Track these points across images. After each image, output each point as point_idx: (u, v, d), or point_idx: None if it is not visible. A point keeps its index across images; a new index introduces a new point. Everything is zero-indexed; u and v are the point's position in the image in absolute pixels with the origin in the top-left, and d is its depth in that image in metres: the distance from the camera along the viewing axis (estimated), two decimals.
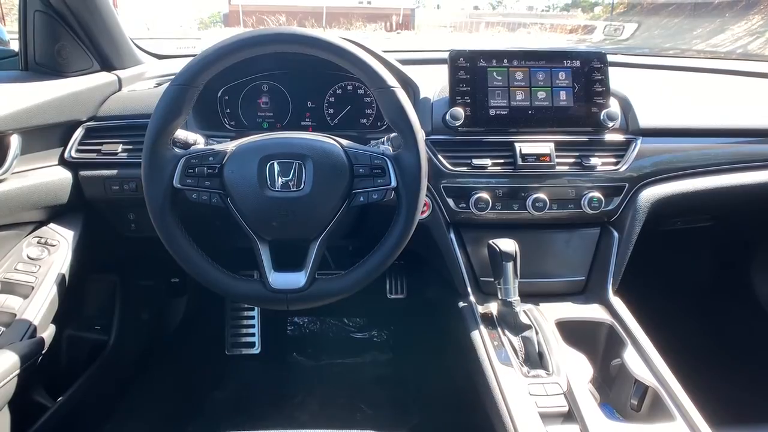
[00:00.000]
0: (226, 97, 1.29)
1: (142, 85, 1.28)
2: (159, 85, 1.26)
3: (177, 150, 0.93)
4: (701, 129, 1.20)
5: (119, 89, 1.26)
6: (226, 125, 1.31)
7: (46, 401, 1.04)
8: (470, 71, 1.16)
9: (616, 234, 1.16)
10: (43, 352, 0.96)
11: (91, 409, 1.23)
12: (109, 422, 1.31)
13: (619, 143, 1.16)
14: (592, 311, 1.09)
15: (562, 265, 1.17)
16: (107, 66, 1.25)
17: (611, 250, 1.15)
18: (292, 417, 1.48)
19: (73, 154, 1.13)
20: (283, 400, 1.54)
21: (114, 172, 1.14)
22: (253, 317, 1.76)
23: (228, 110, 1.30)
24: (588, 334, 1.07)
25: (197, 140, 1.04)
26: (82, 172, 1.14)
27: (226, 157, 0.92)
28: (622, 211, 1.14)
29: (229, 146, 0.94)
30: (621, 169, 1.14)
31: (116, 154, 1.13)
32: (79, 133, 1.15)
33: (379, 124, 1.32)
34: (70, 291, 1.05)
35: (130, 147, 1.14)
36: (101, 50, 1.24)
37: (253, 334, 1.75)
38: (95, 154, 1.14)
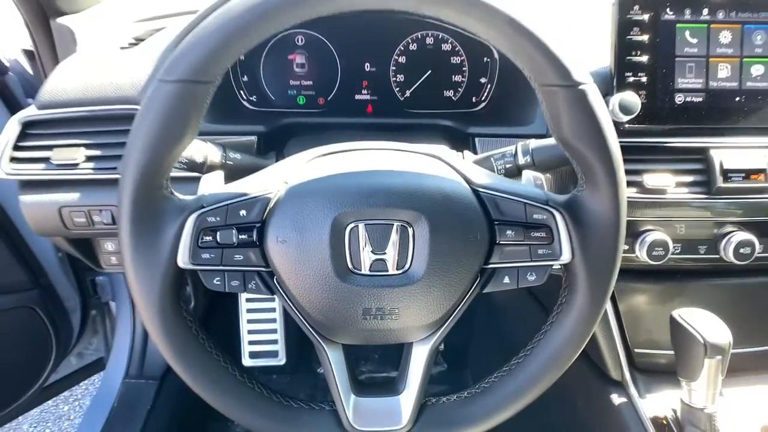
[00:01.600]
0: (242, 58, 0.83)
1: (107, 42, 0.80)
2: (138, 41, 0.79)
3: (179, 198, 0.51)
4: None
5: (72, 51, 0.78)
6: (244, 103, 0.86)
7: None
8: (650, 28, 0.71)
9: None
10: None
11: None
12: None
13: None
14: None
15: (750, 328, 0.81)
16: (50, 9, 0.76)
17: None
18: None
19: (5, 168, 0.69)
20: None
21: (75, 195, 0.71)
22: (274, 320, 1.41)
23: (245, 78, 0.85)
24: None
25: (207, 154, 0.61)
26: (24, 197, 0.71)
27: (268, 210, 0.51)
28: None
29: (273, 186, 0.52)
30: None
31: (76, 165, 0.70)
32: (11, 130, 0.70)
33: (473, 99, 0.88)
34: None
35: (98, 153, 0.71)
36: None
37: (275, 341, 1.40)
38: (42, 166, 0.70)
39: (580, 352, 0.54)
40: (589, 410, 0.81)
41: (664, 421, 0.72)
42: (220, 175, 0.57)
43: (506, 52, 0.47)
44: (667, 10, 0.71)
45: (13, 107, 0.95)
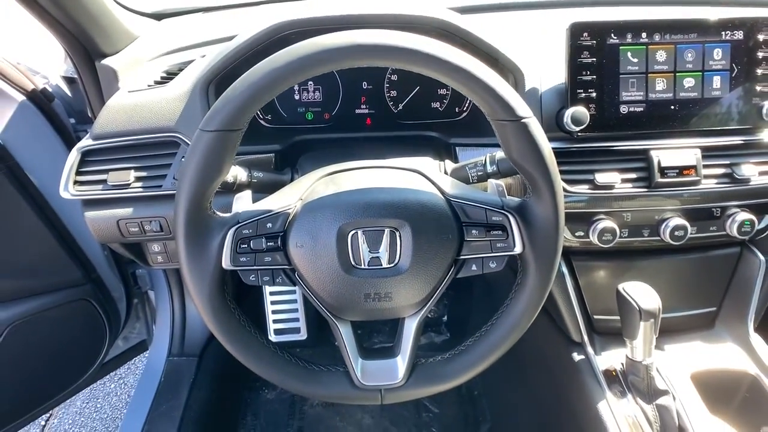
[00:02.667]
0: None
1: (144, 76, 0.96)
2: (169, 75, 0.94)
3: (220, 215, 0.67)
4: None
5: (116, 88, 0.93)
6: (261, 121, 1.01)
7: None
8: (597, 52, 0.85)
9: (762, 257, 0.94)
10: None
11: None
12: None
13: None
14: (730, 356, 0.91)
15: (688, 295, 0.97)
16: (95, 53, 0.92)
17: (754, 276, 0.94)
18: (353, 419, 1.36)
19: (70, 190, 0.85)
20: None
21: (129, 210, 0.87)
22: (295, 301, 1.59)
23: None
24: (727, 387, 0.89)
25: (237, 175, 0.77)
26: (89, 213, 0.87)
27: (288, 222, 0.67)
28: None
29: (291, 202, 0.68)
30: None
31: (128, 184, 0.86)
32: (73, 159, 0.86)
33: (456, 110, 1.02)
34: None
35: (145, 174, 0.86)
36: (82, 29, 0.89)
37: (297, 320, 1.58)
38: (100, 187, 0.86)
39: (533, 319, 0.70)
40: (557, 366, 0.98)
41: (614, 373, 0.89)
42: (248, 194, 0.73)
43: (465, 95, 0.62)
44: (612, 35, 0.85)
45: (61, 130, 1.11)
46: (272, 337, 1.60)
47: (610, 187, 0.86)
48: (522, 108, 0.62)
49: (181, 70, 0.95)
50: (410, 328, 0.72)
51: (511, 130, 0.62)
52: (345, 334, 0.72)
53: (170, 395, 1.25)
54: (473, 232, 0.68)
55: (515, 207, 0.68)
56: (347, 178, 0.71)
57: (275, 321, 1.59)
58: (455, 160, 0.89)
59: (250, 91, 0.59)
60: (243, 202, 0.71)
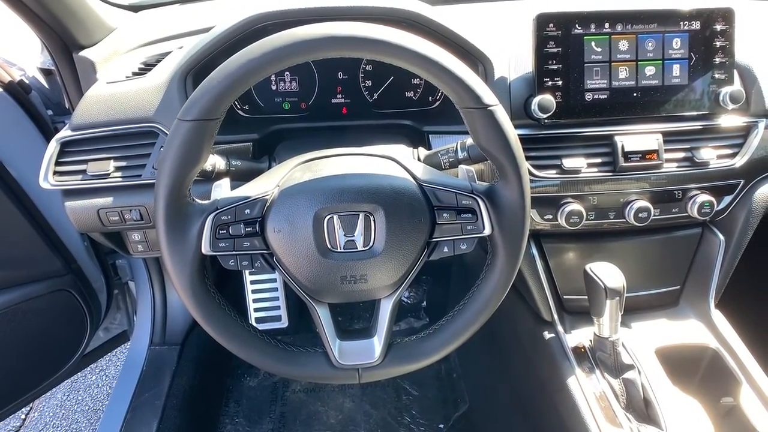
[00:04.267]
0: None
1: (122, 68, 0.96)
2: (147, 67, 0.95)
3: (199, 202, 0.69)
4: None
5: (94, 80, 0.94)
6: (239, 111, 1.02)
7: None
8: (562, 42, 0.89)
9: (721, 237, 0.98)
10: None
11: None
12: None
13: (738, 129, 0.94)
14: (692, 331, 0.96)
15: (653, 274, 1.01)
16: (72, 45, 0.92)
17: (714, 255, 0.98)
18: (334, 404, 1.39)
19: (50, 180, 0.86)
20: (318, 384, 1.44)
21: (109, 199, 0.88)
22: (276, 289, 1.61)
23: None
24: (689, 360, 0.94)
25: (215, 163, 0.79)
26: (68, 203, 0.89)
27: (266, 207, 0.69)
28: (732, 210, 0.96)
29: (268, 189, 0.70)
30: (738, 164, 0.93)
31: (108, 174, 0.87)
32: (52, 149, 0.87)
33: (429, 98, 1.05)
34: None
35: (124, 164, 0.88)
36: (59, 21, 0.90)
37: (278, 307, 1.61)
38: (80, 177, 0.87)
39: (503, 298, 0.74)
40: (529, 344, 1.02)
41: (582, 350, 0.93)
42: (227, 182, 0.75)
43: (435, 84, 0.65)
44: (576, 25, 0.89)
45: (38, 122, 1.12)
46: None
47: (577, 171, 0.89)
48: (488, 96, 0.65)
49: (158, 61, 0.96)
50: (386, 309, 0.74)
51: (478, 118, 0.65)
52: (323, 316, 0.74)
53: (152, 384, 1.26)
54: (444, 215, 0.70)
55: (484, 191, 0.71)
56: (323, 165, 0.73)
57: (256, 309, 1.61)
58: (428, 147, 0.92)
59: (227, 81, 0.61)
60: (222, 190, 0.72)
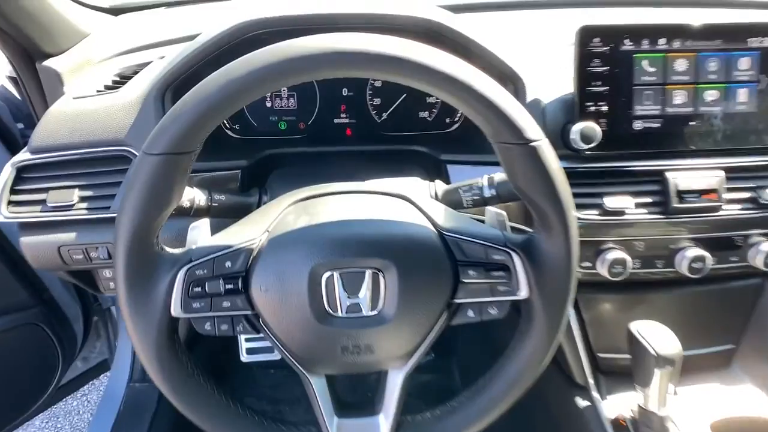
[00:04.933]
0: None
1: (93, 80, 0.83)
2: (122, 79, 0.82)
3: (169, 252, 0.56)
4: None
5: (60, 93, 0.81)
6: (228, 132, 0.89)
7: None
8: (609, 60, 0.75)
9: None
10: None
11: None
12: None
13: None
14: (751, 400, 0.82)
15: (703, 331, 0.87)
16: (35, 53, 0.79)
17: None
18: None
19: (3, 211, 0.73)
20: None
21: (72, 235, 0.75)
22: None
23: None
24: None
25: (194, 198, 0.66)
26: (25, 238, 0.75)
27: (251, 259, 0.56)
28: None
29: (255, 236, 0.57)
30: None
31: (72, 205, 0.74)
32: (7, 175, 0.74)
33: (447, 120, 0.92)
34: None
35: (90, 194, 0.75)
36: (16, 26, 0.77)
37: None
38: (39, 208, 0.74)
39: (537, 376, 0.60)
40: (559, 412, 0.88)
41: (623, 423, 0.79)
42: (205, 224, 0.62)
43: (465, 113, 0.52)
44: (626, 41, 0.75)
45: (4, 135, 0.99)
46: (244, 357, 1.48)
47: (621, 212, 0.76)
48: (532, 129, 0.51)
49: (136, 73, 0.84)
50: (395, 382, 0.61)
51: (518, 155, 0.52)
52: (318, 390, 0.61)
53: (129, 426, 1.13)
54: (470, 272, 0.57)
55: (520, 244, 0.58)
56: (322, 205, 0.60)
57: (247, 339, 1.47)
58: (447, 179, 0.79)
59: (202, 108, 0.48)
60: (199, 234, 0.60)
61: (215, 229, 0.60)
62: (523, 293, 0.57)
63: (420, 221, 0.59)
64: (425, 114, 0.91)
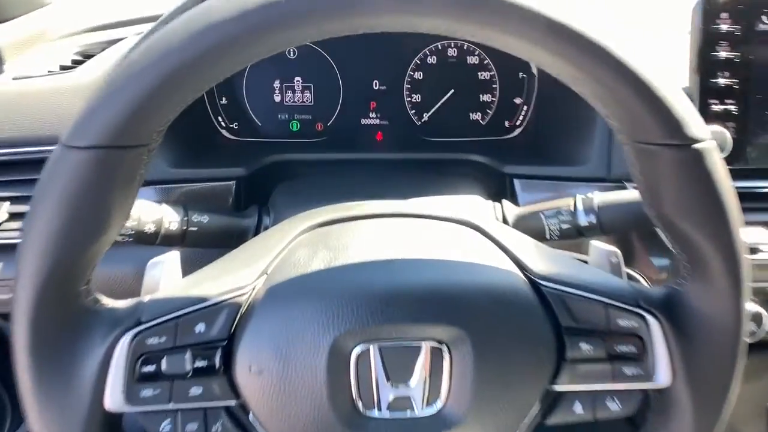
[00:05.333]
0: None
1: (48, 58, 0.64)
2: (83, 58, 0.62)
3: (107, 306, 0.36)
4: None
5: None
6: (223, 132, 0.69)
7: None
8: (742, 42, 0.55)
9: None
10: None
11: None
12: None
13: None
14: None
15: None
16: None
17: None
18: None
19: None
20: None
21: None
22: None
23: (224, 100, 0.68)
24: None
25: (162, 219, 0.46)
26: None
27: (238, 321, 0.35)
28: None
29: (245, 282, 0.37)
30: None
31: None
32: None
33: (506, 124, 0.72)
34: None
35: (25, 209, 0.54)
36: None
37: None
38: None
39: None
40: None
41: None
42: (174, 260, 0.41)
43: (588, 95, 0.32)
44: (764, 18, 0.55)
45: None
46: None
47: (756, 249, 0.55)
48: (695, 124, 0.31)
49: (104, 50, 0.64)
50: None
51: (670, 163, 0.32)
52: None
53: None
54: (582, 345, 0.37)
55: (661, 301, 0.38)
56: (350, 236, 0.40)
57: None
58: (515, 199, 0.58)
59: (163, 71, 0.29)
60: (159, 277, 0.40)
61: (190, 267, 0.40)
62: (662, 379, 0.36)
63: (501, 263, 0.38)
64: (477, 116, 0.72)
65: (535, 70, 0.70)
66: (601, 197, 0.50)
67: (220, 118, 0.70)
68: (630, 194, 0.50)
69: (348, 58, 0.70)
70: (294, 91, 0.71)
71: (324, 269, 0.37)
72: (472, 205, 0.55)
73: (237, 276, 0.37)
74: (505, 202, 0.56)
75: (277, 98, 0.71)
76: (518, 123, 0.72)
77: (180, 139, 0.60)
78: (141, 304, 0.36)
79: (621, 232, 0.50)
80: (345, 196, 0.47)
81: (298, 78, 0.70)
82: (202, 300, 0.35)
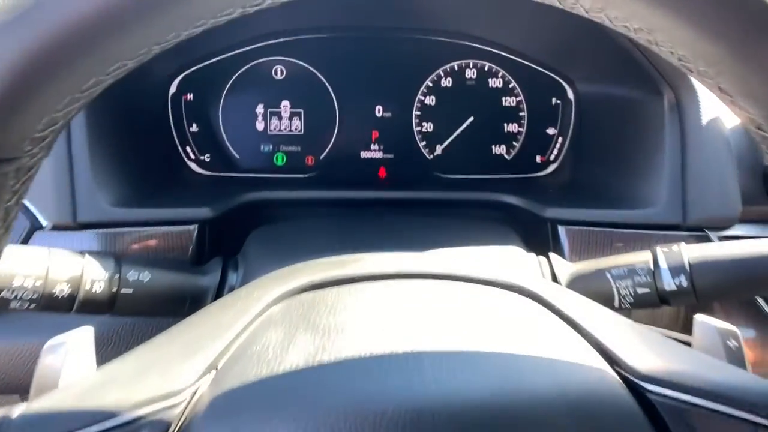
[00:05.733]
0: (190, 96, 0.54)
1: None
2: None
3: None
4: None
5: None
6: (191, 165, 0.57)
7: None
8: None
9: None
10: None
11: None
12: None
13: None
14: None
15: None
16: None
17: None
18: None
19: None
20: None
21: None
22: None
23: (194, 126, 0.56)
24: None
25: (82, 276, 0.33)
26: None
27: None
28: None
29: (182, 384, 0.22)
30: None
31: None
32: None
33: (538, 159, 0.59)
34: None
35: None
36: None
37: None
38: None
39: None
40: None
41: None
42: (84, 340, 0.28)
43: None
44: None
45: None
46: None
47: None
48: None
49: None
50: None
51: None
52: None
53: None
54: None
55: None
56: (345, 309, 0.28)
57: None
58: (560, 253, 0.45)
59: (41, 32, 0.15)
60: (59, 367, 0.28)
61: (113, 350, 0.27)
62: None
63: (581, 354, 0.25)
64: (501, 149, 0.60)
65: (571, 95, 0.58)
66: (693, 252, 0.36)
67: (189, 149, 0.57)
68: (730, 248, 0.37)
69: (346, 78, 0.58)
70: (281, 118, 0.59)
71: (304, 367, 0.23)
72: (512, 259, 0.41)
73: (170, 373, 0.23)
74: (553, 256, 0.43)
75: (260, 126, 0.59)
76: (552, 158, 0.59)
77: (131, 171, 0.47)
78: (5, 422, 0.22)
79: (720, 299, 0.37)
80: (339, 245, 0.34)
81: (285, 102, 0.58)
82: (108, 416, 0.21)
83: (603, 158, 0.55)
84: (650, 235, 0.45)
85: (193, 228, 0.45)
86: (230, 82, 0.58)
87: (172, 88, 0.56)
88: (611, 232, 0.47)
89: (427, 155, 0.61)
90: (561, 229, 0.48)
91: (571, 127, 0.59)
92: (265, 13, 0.45)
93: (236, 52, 0.56)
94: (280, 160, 0.60)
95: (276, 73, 0.59)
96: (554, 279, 0.41)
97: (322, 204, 0.54)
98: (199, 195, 0.50)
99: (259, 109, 0.59)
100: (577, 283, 0.40)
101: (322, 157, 0.60)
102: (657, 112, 0.47)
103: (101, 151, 0.43)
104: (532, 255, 0.43)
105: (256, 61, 0.57)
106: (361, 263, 0.31)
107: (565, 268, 0.41)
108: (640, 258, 0.38)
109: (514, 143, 0.61)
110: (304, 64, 0.58)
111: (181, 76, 0.56)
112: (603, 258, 0.40)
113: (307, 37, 0.57)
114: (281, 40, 0.57)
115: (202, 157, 0.58)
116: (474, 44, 0.58)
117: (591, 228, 0.47)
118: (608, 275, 0.39)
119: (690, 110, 0.46)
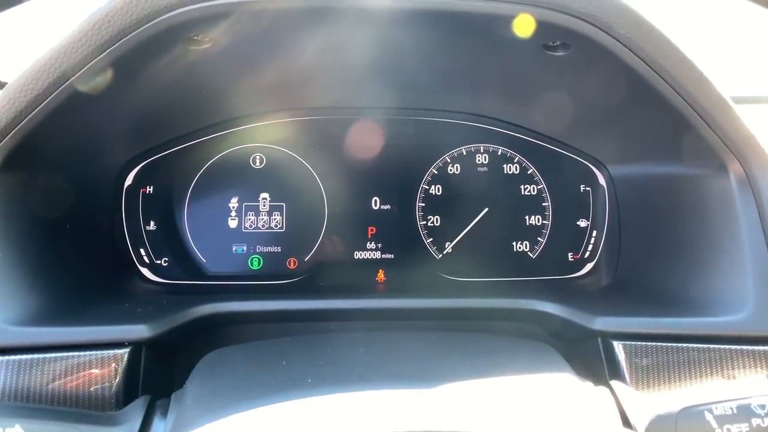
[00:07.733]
0: (149, 189, 0.45)
1: None
2: None
3: None
4: None
5: None
6: (141, 268, 0.46)
7: None
8: None
9: None
10: None
11: None
12: None
13: None
14: None
15: None
16: None
17: None
18: None
19: None
20: None
21: None
22: None
23: (151, 224, 0.47)
24: None
25: None
26: None
27: None
28: None
29: None
30: None
31: None
32: None
33: (570, 257, 0.48)
34: None
35: None
36: None
37: None
38: None
39: None
40: None
41: None
42: None
43: None
44: None
45: None
46: None
47: None
48: None
49: None
50: None
51: None
52: None
53: None
54: None
55: None
56: None
57: None
58: (617, 374, 0.33)
59: None
60: None
61: None
62: None
63: None
64: (523, 246, 0.49)
65: (602, 180, 0.49)
66: None
67: (142, 251, 0.47)
68: None
69: (336, 167, 0.49)
70: (258, 213, 0.49)
71: None
72: (568, 394, 0.29)
73: None
74: (616, 385, 0.30)
75: (233, 223, 0.49)
76: (587, 255, 0.49)
77: (53, 277, 0.37)
78: None
79: None
80: (322, 379, 0.23)
81: (264, 195, 0.49)
82: None
83: (652, 252, 0.45)
84: (740, 351, 0.34)
85: (124, 352, 0.34)
86: (200, 173, 0.49)
87: (128, 180, 0.47)
88: (683, 348, 0.35)
89: (434, 254, 0.50)
90: (617, 346, 0.36)
91: (607, 217, 0.49)
92: (244, 92, 0.37)
93: (207, 137, 0.48)
94: (255, 263, 0.50)
95: (254, 162, 0.50)
96: (624, 419, 0.29)
97: (304, 317, 0.43)
98: (142, 309, 0.39)
99: (233, 202, 0.50)
100: (663, 425, 0.27)
101: (306, 258, 0.50)
102: (721, 189, 0.37)
103: (8, 252, 0.33)
104: (589, 385, 0.31)
105: (231, 149, 0.50)
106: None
107: (637, 402, 0.29)
108: (754, 387, 0.26)
109: (538, 238, 0.51)
110: (287, 151, 0.50)
111: (139, 166, 0.47)
112: (688, 387, 0.28)
113: (290, 120, 0.49)
114: (260, 123, 0.49)
115: (158, 261, 0.47)
116: (483, 125, 0.50)
117: (657, 343, 0.36)
118: (708, 415, 0.27)
119: (765, 182, 0.37)
